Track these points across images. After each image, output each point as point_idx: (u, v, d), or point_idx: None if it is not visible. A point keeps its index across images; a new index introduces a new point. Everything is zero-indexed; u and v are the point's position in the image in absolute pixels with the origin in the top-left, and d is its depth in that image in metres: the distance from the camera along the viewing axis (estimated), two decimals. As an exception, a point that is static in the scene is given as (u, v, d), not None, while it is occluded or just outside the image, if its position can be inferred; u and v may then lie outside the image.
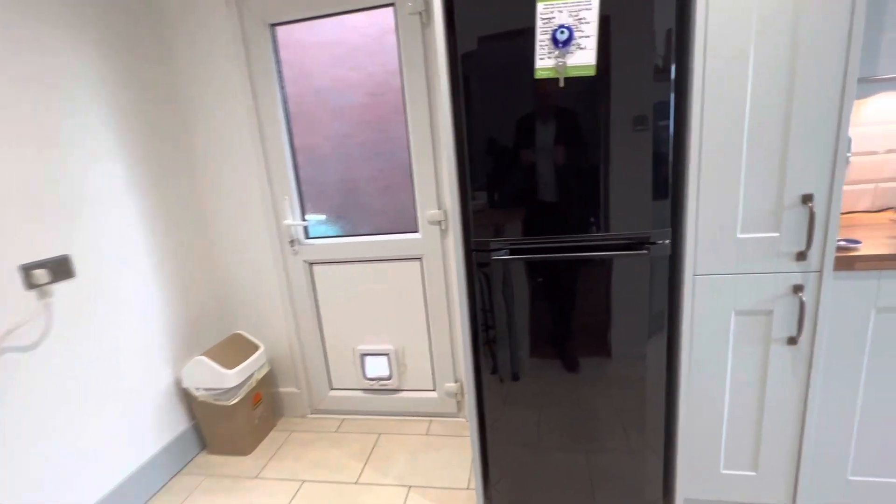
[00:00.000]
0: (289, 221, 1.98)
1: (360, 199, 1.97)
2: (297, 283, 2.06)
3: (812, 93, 1.01)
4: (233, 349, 2.03)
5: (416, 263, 1.95)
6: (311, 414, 2.24)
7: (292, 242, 2.01)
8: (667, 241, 1.16)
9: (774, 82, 1.03)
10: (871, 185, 1.52)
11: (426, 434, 2.01)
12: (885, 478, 1.21)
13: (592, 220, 1.17)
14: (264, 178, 1.95)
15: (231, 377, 1.87)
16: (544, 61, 1.08)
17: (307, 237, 2.04)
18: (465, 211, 1.29)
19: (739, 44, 1.02)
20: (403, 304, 2.02)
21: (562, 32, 1.06)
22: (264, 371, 2.07)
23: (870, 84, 1.20)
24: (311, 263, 2.04)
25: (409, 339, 2.06)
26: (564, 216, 1.19)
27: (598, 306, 1.24)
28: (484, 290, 1.31)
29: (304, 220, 2.03)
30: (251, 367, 1.98)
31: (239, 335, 2.12)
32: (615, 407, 1.30)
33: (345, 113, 1.88)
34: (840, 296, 1.11)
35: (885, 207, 1.53)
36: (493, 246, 1.25)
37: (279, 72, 1.87)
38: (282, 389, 2.23)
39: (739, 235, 1.11)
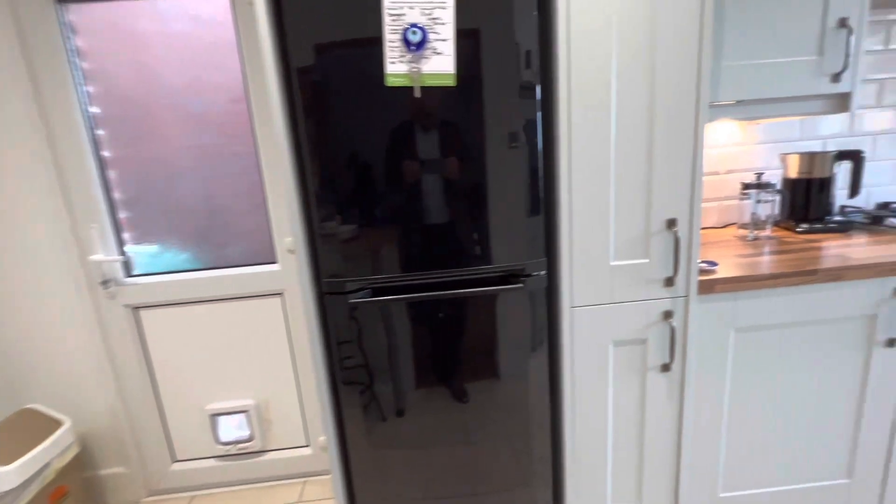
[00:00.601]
0: (98, 256, 1.53)
1: (215, 224, 1.60)
2: (118, 333, 1.61)
3: (671, 119, 0.99)
4: (21, 432, 1.50)
5: (277, 300, 1.64)
6: (149, 497, 1.77)
7: (106, 283, 1.56)
8: (542, 273, 1.06)
9: (636, 108, 0.99)
10: (716, 203, 1.64)
11: (299, 501, 1.69)
12: (751, 489, 1.25)
13: (462, 253, 1.02)
14: (59, 201, 1.48)
15: (9, 476, 1.36)
16: (396, 66, 0.90)
17: (129, 275, 1.60)
18: (312, 244, 1.06)
19: (601, 68, 0.96)
20: (264, 350, 1.69)
21: (414, 33, 0.89)
22: (70, 454, 1.57)
23: (713, 109, 1.25)
24: (137, 308, 1.61)
25: (274, 390, 1.73)
26: (431, 249, 1.02)
27: (474, 345, 1.09)
28: (340, 335, 1.08)
29: (122, 253, 1.59)
30: (46, 454, 1.47)
31: (32, 410, 1.58)
32: (499, 451, 1.16)
33: (198, 120, 1.51)
34: (704, 319, 1.11)
35: (728, 223, 1.65)
36: (348, 287, 1.03)
37: (73, 62, 1.43)
38: (104, 472, 1.72)
39: (612, 263, 1.05)
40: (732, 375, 1.16)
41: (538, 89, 0.97)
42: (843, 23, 1.19)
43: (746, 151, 1.61)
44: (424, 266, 1.03)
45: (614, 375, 1.13)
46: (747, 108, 1.27)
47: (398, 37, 0.89)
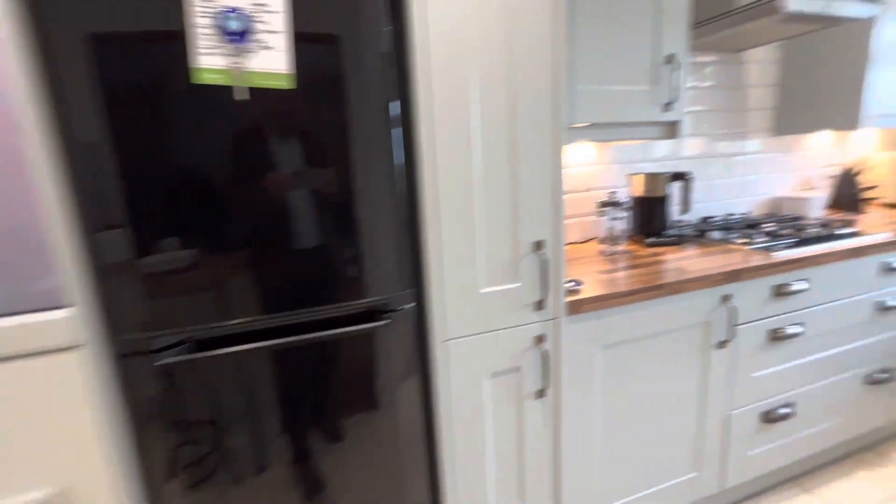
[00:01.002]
0: None
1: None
2: None
3: (532, 141, 0.96)
4: None
5: (70, 357, 1.24)
6: None
7: None
8: (411, 306, 0.94)
9: (499, 131, 0.93)
10: (577, 220, 1.72)
11: None
12: (626, 498, 1.29)
13: (313, 290, 0.85)
14: None
15: None
16: (210, 58, 0.70)
17: None
18: (103, 284, 0.78)
19: (460, 89, 0.89)
20: (57, 423, 1.27)
21: (232, 19, 0.70)
22: None
23: (572, 131, 1.29)
24: None
25: (78, 474, 1.31)
26: (272, 287, 0.83)
27: (334, 397, 0.93)
28: (150, 406, 0.82)
29: None
30: None
31: None
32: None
33: None
34: (574, 339, 1.10)
35: (589, 238, 1.75)
36: (157, 343, 0.78)
37: None
38: None
39: (484, 290, 0.98)
40: (602, 392, 1.17)
41: (397, 105, 0.86)
42: (670, 59, 1.32)
43: (602, 171, 1.72)
44: (266, 308, 0.83)
45: (492, 409, 1.06)
46: (599, 130, 1.34)
47: (211, 21, 0.70)
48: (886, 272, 1.51)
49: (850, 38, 1.69)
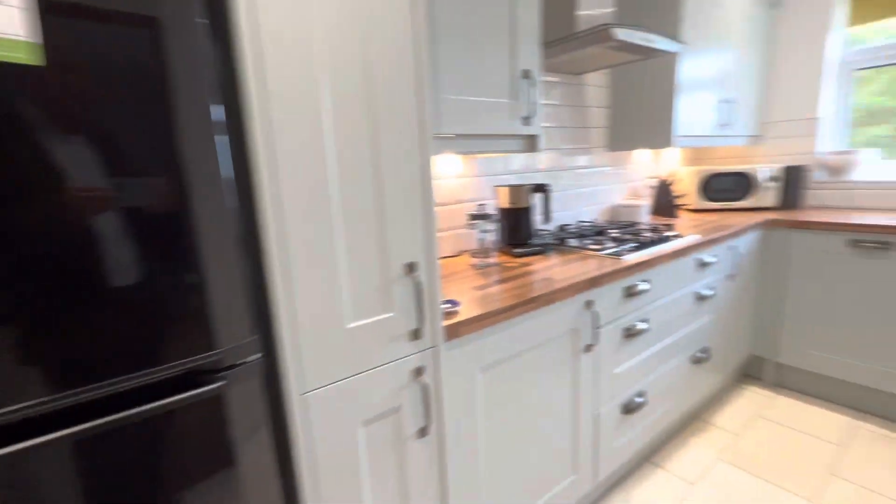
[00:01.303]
0: None
1: None
2: None
3: (397, 153, 0.85)
4: None
5: None
6: None
7: None
8: (256, 358, 0.74)
9: (357, 136, 0.80)
10: (448, 233, 1.68)
11: None
12: (510, 520, 1.25)
13: (119, 349, 0.60)
14: None
15: None
16: None
17: None
18: None
19: (308, 95, 0.73)
20: None
21: None
22: None
23: (438, 141, 1.23)
24: None
25: None
26: (58, 348, 0.55)
27: (159, 485, 0.67)
28: None
29: None
30: None
31: None
32: None
33: None
34: (454, 367, 1.02)
35: (461, 251, 1.72)
36: None
37: None
38: None
39: (351, 325, 0.83)
40: (485, 415, 1.11)
41: (220, 110, 0.66)
42: (527, 74, 1.36)
43: (469, 183, 1.71)
44: (56, 383, 0.55)
45: (369, 460, 0.91)
46: (466, 142, 1.30)
47: None
48: (700, 267, 1.79)
49: (662, 70, 1.98)
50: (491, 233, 1.51)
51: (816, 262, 2.05)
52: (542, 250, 1.62)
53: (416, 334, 0.91)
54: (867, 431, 1.89)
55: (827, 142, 2.49)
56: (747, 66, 2.40)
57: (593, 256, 1.53)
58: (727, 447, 1.83)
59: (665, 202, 2.37)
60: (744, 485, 1.63)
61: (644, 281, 1.50)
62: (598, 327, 1.36)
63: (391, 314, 0.87)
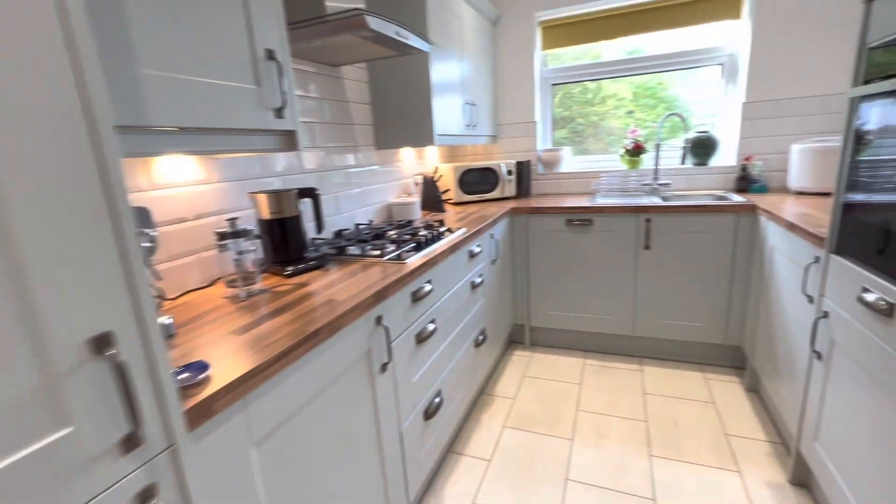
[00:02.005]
0: None
1: None
2: None
3: (31, 154, 0.49)
4: None
5: None
6: None
7: None
8: None
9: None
10: (194, 257, 1.28)
11: None
12: None
13: None
14: None
15: None
16: None
17: None
18: None
19: None
20: None
21: None
22: None
23: (152, 137, 0.86)
24: None
25: None
26: None
27: None
28: None
29: None
30: None
31: None
32: None
33: None
34: (211, 461, 0.72)
35: (214, 279, 1.34)
36: None
37: None
38: None
39: (-31, 480, 0.45)
40: (267, 496, 0.85)
41: None
42: (271, 55, 1.10)
43: (216, 191, 1.34)
44: None
45: None
46: (198, 138, 0.96)
47: None
48: (471, 258, 1.91)
49: (416, 71, 2.01)
50: (251, 252, 1.21)
51: (547, 240, 2.50)
52: (320, 264, 1.41)
53: (130, 443, 0.58)
54: (590, 367, 2.44)
55: (541, 141, 3.09)
56: (482, 73, 2.72)
57: (376, 263, 1.42)
58: (509, 413, 2.06)
59: (433, 197, 2.48)
60: (525, 442, 1.85)
61: (428, 282, 1.48)
62: (391, 342, 1.26)
63: (67, 430, 0.52)
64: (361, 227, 1.97)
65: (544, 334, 2.71)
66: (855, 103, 1.22)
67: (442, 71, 2.12)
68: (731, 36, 2.55)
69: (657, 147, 2.63)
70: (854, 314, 1.18)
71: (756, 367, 2.03)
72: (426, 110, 2.05)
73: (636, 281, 2.37)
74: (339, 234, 1.84)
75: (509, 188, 2.83)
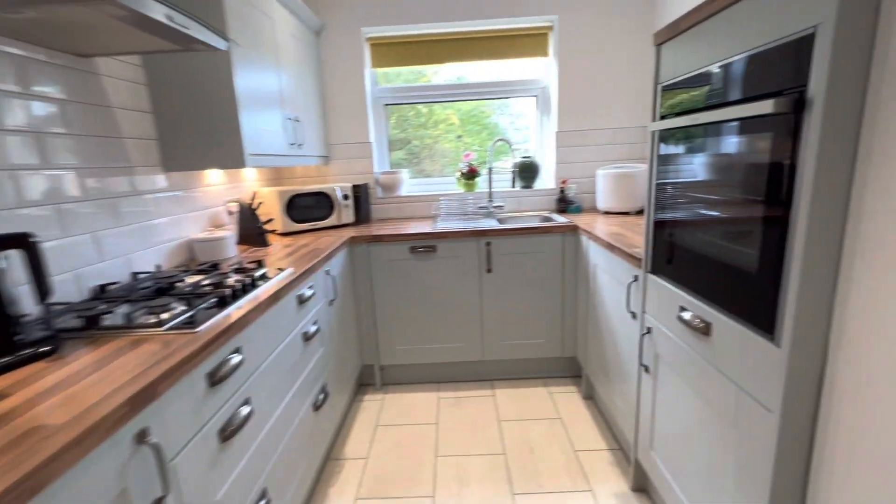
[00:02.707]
0: None
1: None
2: None
3: None
4: None
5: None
6: None
7: None
8: None
9: None
10: None
11: None
12: None
13: None
14: None
15: None
16: None
17: None
18: None
19: None
20: None
21: None
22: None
23: None
24: None
25: None
26: None
27: None
28: None
29: None
30: None
31: None
32: None
33: None
34: None
35: None
36: None
37: None
38: None
39: None
40: None
41: None
42: None
43: None
44: None
45: None
46: None
47: None
48: (302, 304, 1.58)
49: (218, 75, 1.60)
50: None
51: (391, 270, 2.31)
52: (46, 351, 0.91)
53: None
54: (445, 400, 2.32)
55: (378, 163, 2.91)
56: (306, 86, 2.41)
57: (151, 337, 0.99)
58: (361, 479, 1.76)
59: (252, 229, 2.05)
60: (383, 516, 1.58)
61: (235, 352, 1.11)
62: (168, 462, 0.85)
63: None
64: (142, 277, 1.45)
65: (396, 372, 2.50)
66: (655, 136, 1.34)
67: (252, 78, 1.75)
68: (544, 71, 2.80)
69: (489, 171, 2.71)
70: (675, 331, 1.27)
71: (590, 377, 2.18)
72: (232, 124, 1.65)
73: (482, 305, 2.35)
74: (102, 290, 1.30)
75: (347, 214, 2.56)
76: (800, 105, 0.78)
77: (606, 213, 2.57)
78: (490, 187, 2.73)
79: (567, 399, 2.26)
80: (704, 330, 1.11)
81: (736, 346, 0.99)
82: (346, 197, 2.54)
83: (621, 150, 2.74)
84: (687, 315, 1.18)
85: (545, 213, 2.72)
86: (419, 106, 2.93)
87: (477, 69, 2.84)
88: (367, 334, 2.39)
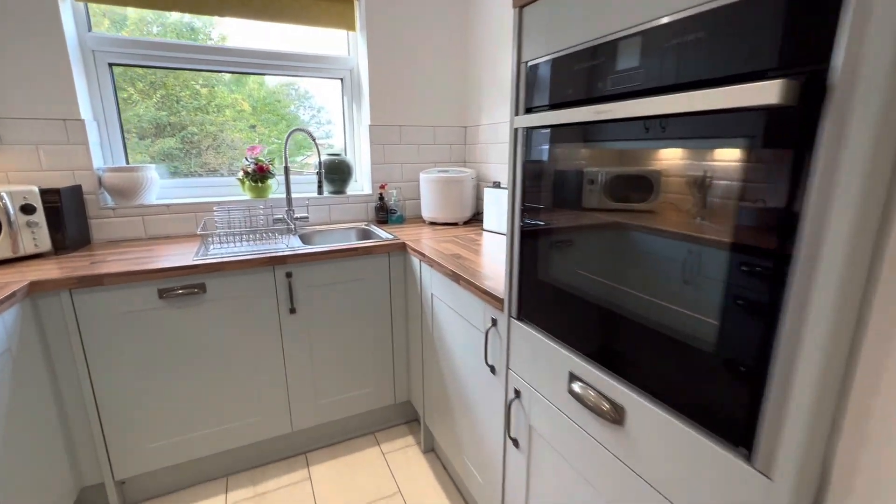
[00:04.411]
0: None
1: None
2: None
3: None
4: None
5: None
6: None
7: None
8: None
9: None
10: None
11: None
12: None
13: None
14: None
15: None
16: None
17: None
18: None
19: None
20: None
21: None
22: None
23: None
24: None
25: None
26: None
27: None
28: None
29: None
30: None
31: None
32: None
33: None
34: None
35: None
36: None
37: None
38: None
39: None
40: None
41: None
42: None
43: None
44: None
45: None
46: None
47: None
48: None
49: None
50: None
51: (124, 328, 1.43)
52: None
53: None
54: (239, 502, 1.59)
55: (103, 155, 1.88)
56: None
57: None
58: None
59: None
60: None
61: None
62: None
63: None
64: None
65: (151, 481, 1.61)
66: (519, 135, 0.97)
67: None
68: (353, 48, 2.26)
69: (286, 170, 2.03)
70: (560, 404, 0.93)
71: (429, 426, 1.78)
72: None
73: (285, 359, 1.69)
74: None
75: (30, 239, 1.51)
76: (814, 93, 0.46)
77: (433, 223, 2.22)
78: (288, 192, 2.05)
79: (405, 459, 1.81)
80: (613, 416, 0.78)
81: (669, 449, 0.68)
82: (26, 210, 1.49)
83: (437, 151, 2.43)
84: (580, 388, 0.85)
85: (362, 226, 2.20)
86: (196, 83, 2.02)
87: (258, 34, 2.10)
88: (83, 442, 1.44)
